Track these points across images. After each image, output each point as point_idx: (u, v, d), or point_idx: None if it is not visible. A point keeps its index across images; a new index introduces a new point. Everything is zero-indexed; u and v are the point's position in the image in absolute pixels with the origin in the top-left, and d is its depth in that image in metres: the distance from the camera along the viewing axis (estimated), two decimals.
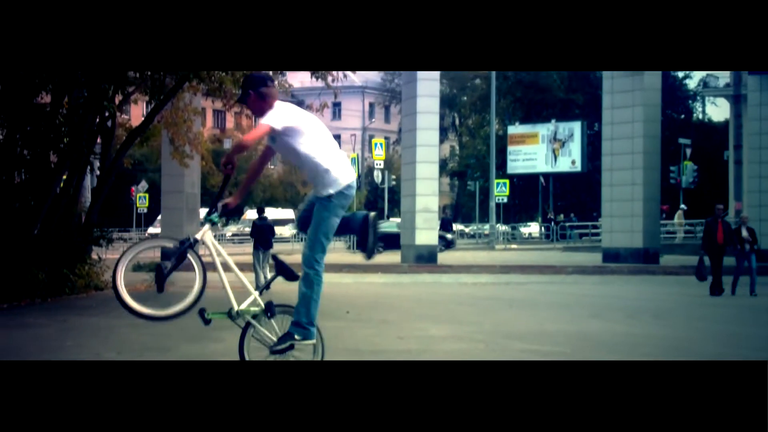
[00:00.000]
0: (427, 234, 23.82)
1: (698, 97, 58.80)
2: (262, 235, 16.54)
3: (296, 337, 5.53)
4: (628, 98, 24.14)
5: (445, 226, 35.78)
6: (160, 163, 25.80)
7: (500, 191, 41.35)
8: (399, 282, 18.75)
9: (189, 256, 5.51)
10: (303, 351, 5.65)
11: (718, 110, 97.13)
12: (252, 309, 5.62)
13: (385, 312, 12.09)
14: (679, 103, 58.61)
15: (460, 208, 67.84)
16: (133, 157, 28.06)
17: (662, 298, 15.13)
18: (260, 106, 5.47)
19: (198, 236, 5.53)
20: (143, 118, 16.48)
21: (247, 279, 5.76)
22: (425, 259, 23.52)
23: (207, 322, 5.56)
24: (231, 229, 45.44)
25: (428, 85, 24.15)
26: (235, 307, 5.56)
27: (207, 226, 5.58)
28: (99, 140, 16.11)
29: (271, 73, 5.77)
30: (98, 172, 17.14)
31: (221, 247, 5.68)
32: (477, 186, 56.03)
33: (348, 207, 5.65)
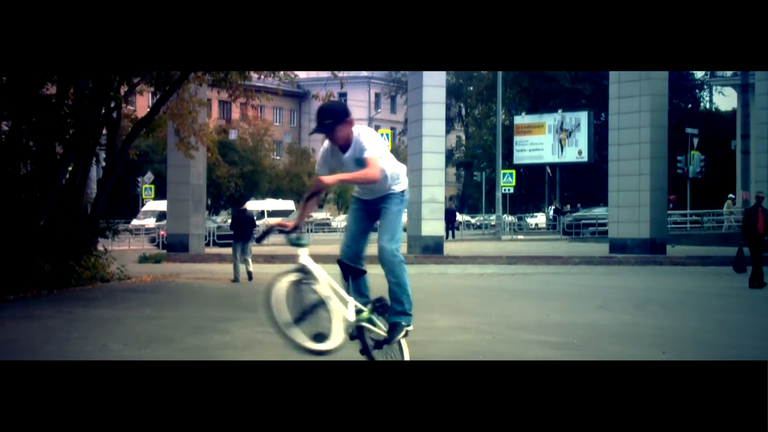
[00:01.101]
0: (433, 224, 23.79)
1: (705, 87, 58.56)
2: (241, 227, 16.62)
3: (403, 323, 5.61)
4: (635, 88, 24.04)
5: (450, 216, 35.78)
6: (166, 155, 25.81)
7: (506, 182, 41.30)
8: None
9: (316, 288, 5.30)
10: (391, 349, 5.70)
11: (725, 99, 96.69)
12: (363, 316, 5.56)
13: None
14: (686, 92, 58.39)
15: (466, 199, 67.84)
16: (139, 149, 28.06)
17: (670, 288, 15.06)
18: (346, 133, 5.58)
19: (301, 261, 5.35)
20: (149, 109, 16.45)
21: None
22: (431, 249, 23.49)
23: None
24: (216, 220, 45.26)
25: (434, 75, 24.05)
26: (352, 319, 5.46)
27: (304, 251, 5.42)
28: (104, 131, 16.09)
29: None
30: (104, 164, 17.13)
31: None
32: (483, 176, 56.07)
33: None
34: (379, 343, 5.61)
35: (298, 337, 5.04)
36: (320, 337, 5.13)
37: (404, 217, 5.84)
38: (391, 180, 5.72)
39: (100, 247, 16.09)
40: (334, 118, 5.56)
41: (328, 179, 5.45)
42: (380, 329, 5.62)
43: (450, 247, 26.59)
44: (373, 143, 5.51)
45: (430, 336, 8.58)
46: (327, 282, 5.38)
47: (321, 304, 5.25)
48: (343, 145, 5.56)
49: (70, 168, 14.75)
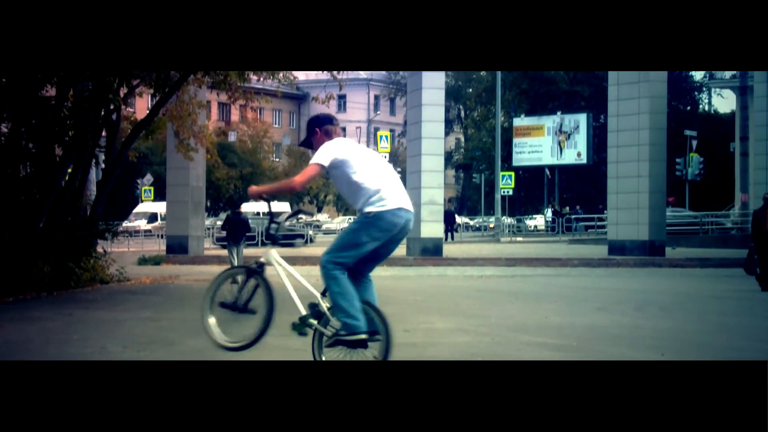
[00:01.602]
0: (432, 226, 23.79)
1: (704, 89, 58.67)
2: (233, 229, 16.63)
3: (341, 332, 5.53)
4: (634, 90, 24.06)
5: (449, 218, 35.78)
6: (165, 156, 25.83)
7: (506, 184, 41.36)
8: (404, 275, 18.73)
9: (255, 280, 5.78)
10: (373, 347, 5.66)
11: (724, 102, 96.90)
12: (304, 315, 5.70)
13: (391, 305, 12.00)
14: (685, 94, 58.51)
15: (465, 201, 67.87)
16: (138, 150, 28.09)
17: (669, 290, 15.05)
18: (323, 144, 5.63)
19: (263, 260, 5.81)
20: (148, 111, 16.46)
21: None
22: (431, 251, 23.49)
23: (303, 334, 5.73)
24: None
25: (433, 77, 24.07)
26: (303, 313, 5.68)
27: (270, 248, 5.87)
28: (104, 133, 16.09)
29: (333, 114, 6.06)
30: (103, 166, 17.14)
31: (286, 263, 5.84)
32: (482, 178, 56.10)
33: (393, 234, 5.53)
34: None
35: (210, 331, 5.80)
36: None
37: (364, 236, 5.44)
38: (358, 197, 5.51)
39: (100, 249, 16.09)
40: (307, 132, 5.78)
41: (252, 189, 5.71)
42: (331, 330, 5.67)
43: (449, 249, 26.58)
44: (319, 152, 5.51)
45: (429, 338, 8.59)
46: (292, 279, 5.67)
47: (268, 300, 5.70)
48: None
49: (69, 170, 14.75)
